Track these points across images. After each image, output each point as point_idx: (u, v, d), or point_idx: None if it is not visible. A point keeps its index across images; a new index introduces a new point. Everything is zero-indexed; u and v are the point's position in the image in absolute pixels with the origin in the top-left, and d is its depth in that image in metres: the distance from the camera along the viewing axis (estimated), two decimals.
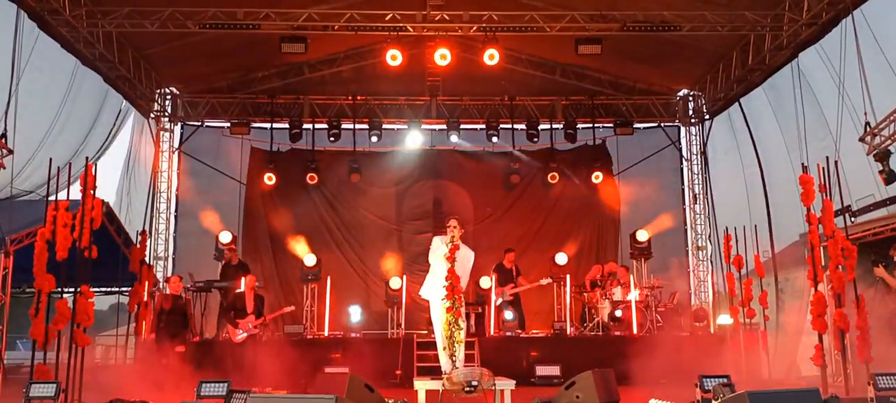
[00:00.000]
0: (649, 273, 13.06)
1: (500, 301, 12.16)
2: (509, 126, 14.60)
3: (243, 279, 11.04)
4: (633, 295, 11.86)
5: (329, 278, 12.27)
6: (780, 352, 10.76)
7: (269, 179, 14.02)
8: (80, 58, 10.95)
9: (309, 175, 14.15)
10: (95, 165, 8.40)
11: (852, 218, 9.61)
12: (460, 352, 7.30)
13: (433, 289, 7.61)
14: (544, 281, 12.40)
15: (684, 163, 15.27)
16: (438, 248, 7.59)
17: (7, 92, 8.72)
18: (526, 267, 13.05)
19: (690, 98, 15.09)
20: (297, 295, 13.14)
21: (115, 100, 12.50)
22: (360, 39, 12.46)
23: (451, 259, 7.33)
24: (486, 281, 12.31)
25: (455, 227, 7.51)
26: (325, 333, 11.81)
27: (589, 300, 12.56)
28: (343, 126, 14.35)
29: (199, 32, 10.93)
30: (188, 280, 11.78)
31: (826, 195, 8.46)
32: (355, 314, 12.59)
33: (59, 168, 8.12)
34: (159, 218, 14.32)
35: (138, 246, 11.15)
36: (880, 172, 8.71)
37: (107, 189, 13.12)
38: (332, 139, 14.32)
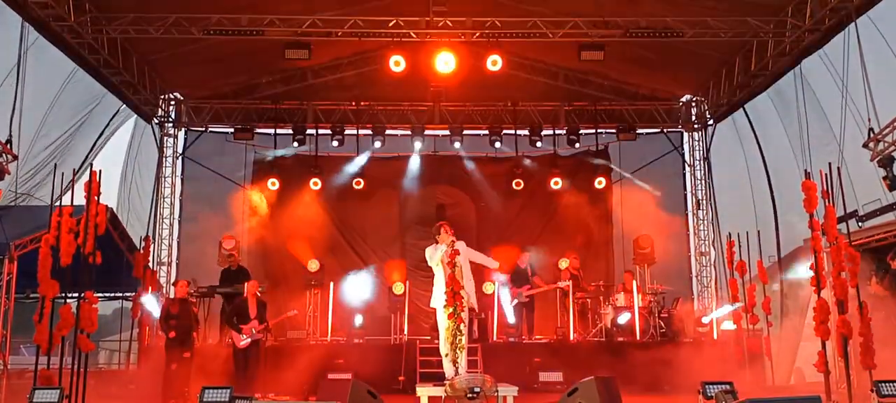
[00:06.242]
0: (652, 278, 13.04)
1: (515, 301, 12.13)
2: (512, 131, 14.62)
3: (246, 284, 11.05)
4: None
5: (332, 283, 12.26)
6: (784, 358, 10.73)
7: (273, 184, 14.07)
8: (83, 64, 10.97)
9: (312, 180, 14.20)
10: (99, 173, 8.35)
11: (859, 223, 9.59)
12: (462, 358, 7.30)
13: (436, 296, 7.61)
14: (562, 284, 12.32)
15: (687, 168, 15.25)
16: (433, 255, 7.59)
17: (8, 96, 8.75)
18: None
19: (693, 103, 15.07)
20: (300, 300, 13.13)
21: (112, 102, 12.47)
22: (364, 45, 12.48)
23: (451, 264, 7.33)
24: (489, 287, 12.29)
25: (447, 232, 7.54)
26: (328, 339, 11.80)
27: (591, 306, 12.53)
28: (346, 131, 14.41)
29: (204, 39, 10.95)
30: (192, 286, 11.79)
31: (829, 201, 8.44)
32: (358, 319, 12.57)
33: (63, 174, 8.16)
34: (163, 223, 14.36)
35: (142, 251, 11.19)
36: (884, 178, 8.68)
37: (107, 193, 13.13)
38: (335, 144, 14.37)
